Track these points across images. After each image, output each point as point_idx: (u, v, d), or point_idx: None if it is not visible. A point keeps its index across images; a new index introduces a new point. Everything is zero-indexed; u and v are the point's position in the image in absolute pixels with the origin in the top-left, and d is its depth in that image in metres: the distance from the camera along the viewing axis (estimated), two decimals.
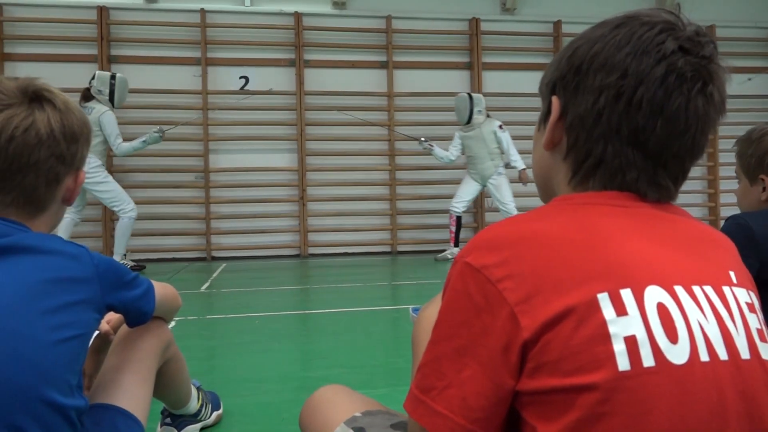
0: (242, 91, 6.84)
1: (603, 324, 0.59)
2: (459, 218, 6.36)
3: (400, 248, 7.09)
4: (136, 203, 6.68)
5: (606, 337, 0.59)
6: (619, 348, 0.59)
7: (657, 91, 0.67)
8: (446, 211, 6.49)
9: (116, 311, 1.10)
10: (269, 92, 6.61)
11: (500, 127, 6.10)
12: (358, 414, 1.00)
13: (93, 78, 5.61)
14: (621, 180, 0.71)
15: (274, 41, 6.93)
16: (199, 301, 4.03)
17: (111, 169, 6.54)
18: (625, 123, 0.69)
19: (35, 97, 0.99)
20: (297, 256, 6.87)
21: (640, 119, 0.68)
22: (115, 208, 5.64)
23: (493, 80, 7.30)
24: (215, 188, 6.77)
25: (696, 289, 0.64)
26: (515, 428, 0.65)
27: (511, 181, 6.22)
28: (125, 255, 5.80)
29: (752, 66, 7.70)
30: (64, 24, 6.53)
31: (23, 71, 6.17)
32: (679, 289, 0.63)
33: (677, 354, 0.60)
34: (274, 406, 1.92)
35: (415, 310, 1.18)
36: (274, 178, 6.91)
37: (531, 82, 7.30)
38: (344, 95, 6.93)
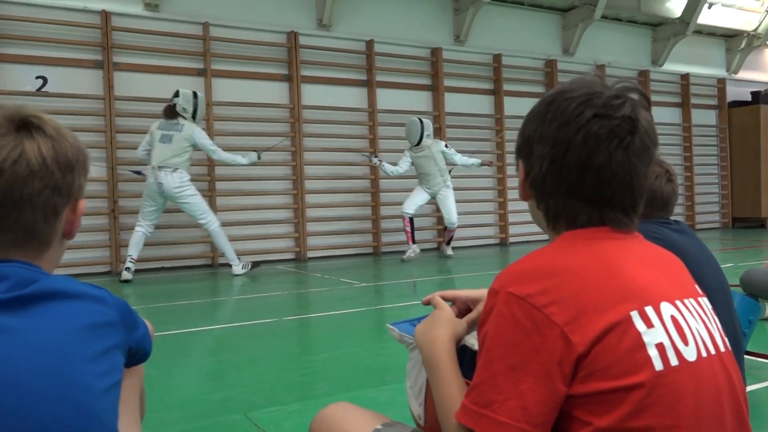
0: (39, 92, 6.16)
1: (638, 336, 0.79)
2: (411, 219, 7.02)
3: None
4: None
5: (642, 346, 0.78)
6: (653, 353, 0.78)
7: (581, 152, 0.86)
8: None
9: (131, 354, 1.07)
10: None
11: (446, 145, 7.05)
12: (379, 426, 1.10)
13: (176, 95, 5.80)
14: (579, 224, 0.91)
15: (78, 40, 6.35)
16: None
17: None
18: (563, 181, 0.88)
19: (23, 124, 0.93)
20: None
21: (573, 177, 0.87)
22: (202, 221, 5.89)
23: (310, 93, 7.47)
24: None
25: (686, 301, 0.88)
26: (556, 426, 0.81)
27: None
28: (239, 259, 6.08)
29: (528, 91, 8.94)
30: None
31: None
32: (678, 303, 0.87)
33: (690, 353, 0.80)
34: None
35: (402, 327, 1.23)
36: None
37: (346, 96, 7.64)
38: (158, 102, 6.48)
